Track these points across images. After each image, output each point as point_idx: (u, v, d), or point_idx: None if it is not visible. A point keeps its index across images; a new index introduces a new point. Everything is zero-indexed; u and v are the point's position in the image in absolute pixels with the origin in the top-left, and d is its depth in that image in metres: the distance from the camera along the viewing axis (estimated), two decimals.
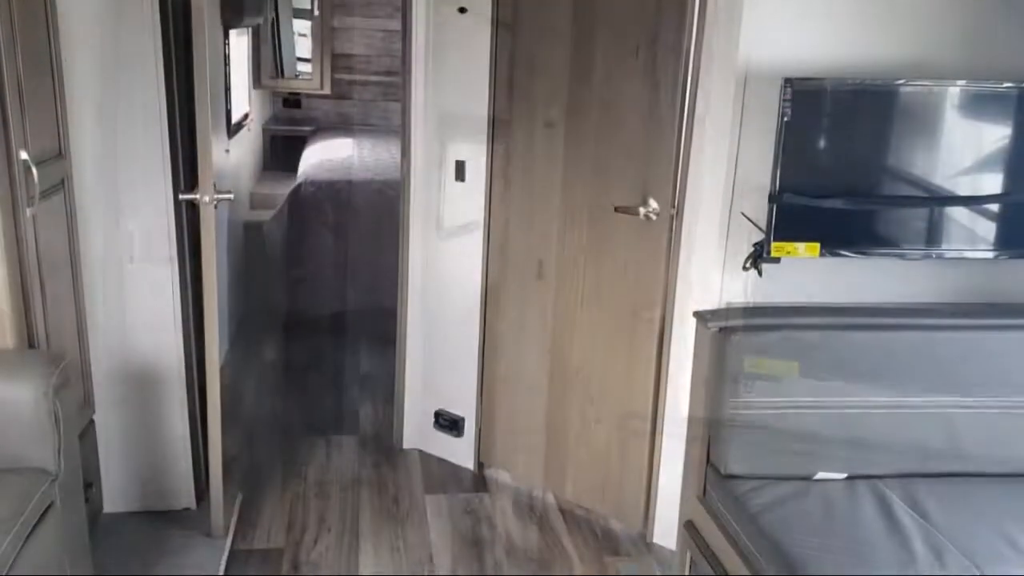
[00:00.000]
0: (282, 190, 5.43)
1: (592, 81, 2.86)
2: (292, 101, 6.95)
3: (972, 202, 2.56)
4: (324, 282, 5.00)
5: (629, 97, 2.80)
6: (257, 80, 6.27)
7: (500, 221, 3.24)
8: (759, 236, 2.56)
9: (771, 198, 2.49)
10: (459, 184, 3.31)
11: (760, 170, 2.51)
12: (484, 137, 3.20)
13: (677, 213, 2.78)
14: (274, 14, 6.54)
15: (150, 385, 3.00)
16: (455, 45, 3.22)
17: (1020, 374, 2.29)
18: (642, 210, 2.82)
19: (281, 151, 6.44)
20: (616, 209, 2.88)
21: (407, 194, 3.45)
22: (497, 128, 3.16)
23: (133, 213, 2.88)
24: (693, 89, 2.66)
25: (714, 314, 2.44)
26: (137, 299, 2.93)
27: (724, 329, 2.30)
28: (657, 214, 2.81)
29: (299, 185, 5.04)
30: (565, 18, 2.89)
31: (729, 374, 2.29)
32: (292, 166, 5.80)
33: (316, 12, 6.60)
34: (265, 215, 5.24)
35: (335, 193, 4.99)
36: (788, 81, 2.40)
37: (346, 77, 6.85)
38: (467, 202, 3.30)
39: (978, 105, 2.53)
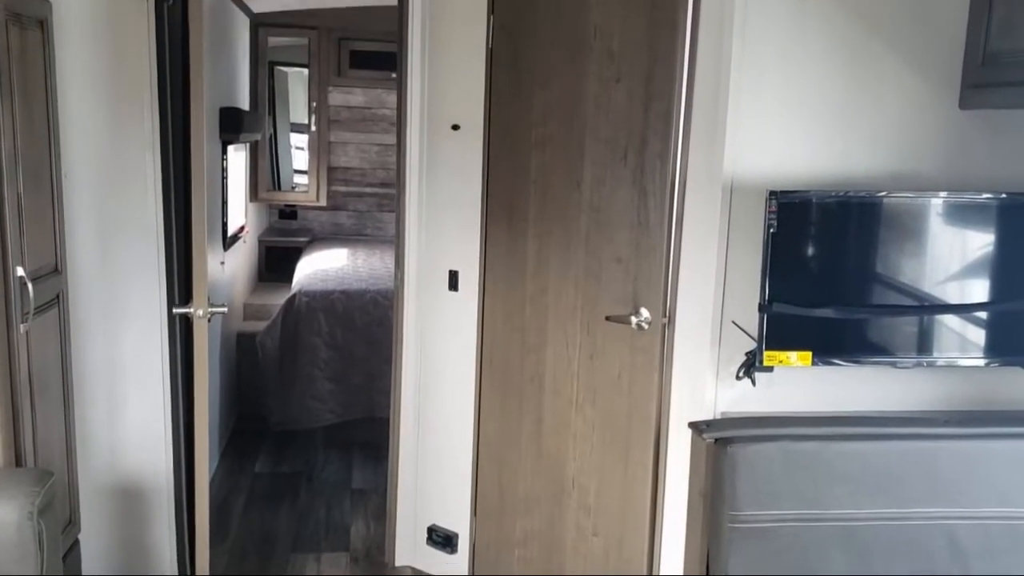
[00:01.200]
0: (276, 300, 5.46)
1: (583, 189, 2.93)
2: (288, 212, 7.07)
3: (960, 310, 2.59)
4: (317, 393, 4.97)
5: (619, 205, 2.86)
6: (254, 193, 6.39)
7: (493, 330, 3.25)
8: (751, 345, 2.57)
9: (761, 307, 2.51)
10: (452, 293, 3.34)
11: (750, 279, 2.54)
12: (477, 247, 3.24)
13: (669, 322, 2.80)
14: (272, 129, 6.72)
15: (137, 501, 2.95)
16: (448, 159, 3.31)
17: (1011, 483, 2.27)
18: (634, 319, 2.84)
19: (276, 262, 6.51)
20: (607, 318, 2.89)
21: (400, 304, 3.48)
22: (490, 238, 3.21)
23: (127, 327, 2.89)
24: (681, 198, 2.71)
25: (709, 424, 2.43)
26: (127, 414, 2.91)
27: (719, 440, 2.29)
28: (649, 323, 2.82)
29: (293, 296, 5.08)
30: (555, 125, 2.98)
31: (726, 485, 2.26)
32: (287, 277, 5.85)
33: (313, 128, 6.78)
34: (259, 326, 5.26)
35: (329, 303, 5.02)
36: (773, 193, 2.46)
37: (342, 189, 6.99)
38: (460, 311, 3.33)
39: (960, 215, 2.59)
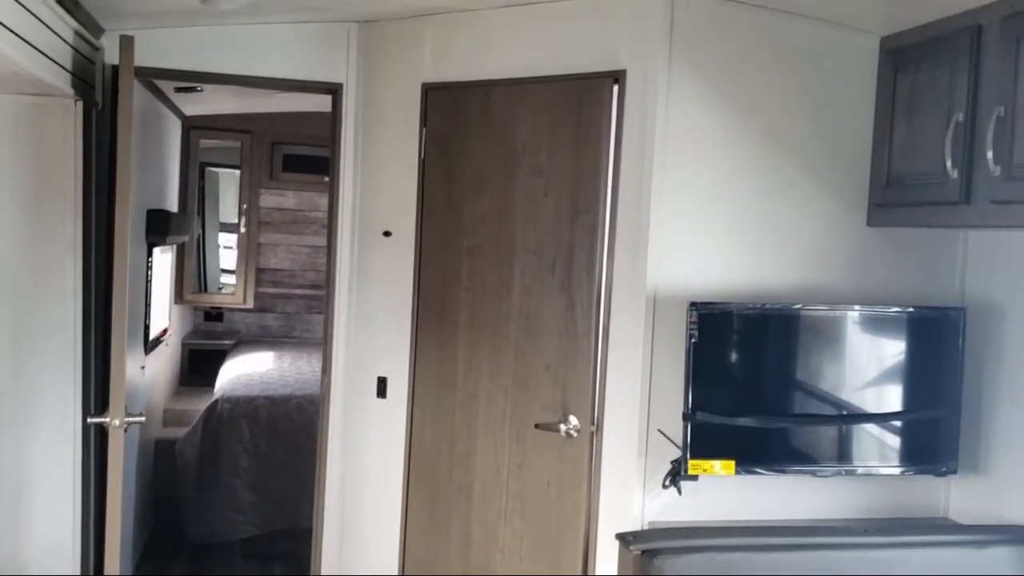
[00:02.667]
0: (198, 406, 5.31)
1: (513, 297, 2.97)
2: (214, 314, 6.95)
3: (875, 419, 2.67)
4: (238, 503, 4.80)
5: (547, 313, 2.90)
6: (179, 295, 6.28)
7: (422, 438, 3.22)
8: (677, 453, 2.60)
9: (685, 416, 2.55)
10: (381, 400, 3.31)
11: (675, 388, 2.59)
12: (407, 353, 3.24)
13: (597, 430, 2.81)
14: (201, 229, 6.67)
15: None
16: (379, 264, 3.33)
17: None
18: (563, 427, 2.85)
19: (200, 365, 6.35)
20: (537, 426, 2.90)
21: (326, 411, 3.43)
22: (420, 344, 3.21)
23: (39, 435, 2.78)
24: (607, 307, 2.77)
25: (636, 536, 2.42)
26: (34, 527, 2.77)
27: (646, 552, 2.28)
28: (578, 431, 2.84)
29: (215, 401, 4.95)
30: (486, 235, 3.03)
31: None
32: (210, 381, 5.71)
33: (243, 229, 6.75)
34: (179, 432, 5.09)
35: (252, 410, 4.90)
36: (693, 305, 2.54)
37: (270, 290, 6.92)
38: (388, 419, 3.29)
39: (872, 327, 2.70)
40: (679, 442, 2.59)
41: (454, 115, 3.12)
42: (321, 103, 3.50)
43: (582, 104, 2.82)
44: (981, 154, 2.20)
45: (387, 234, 3.29)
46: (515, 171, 2.96)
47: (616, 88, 2.73)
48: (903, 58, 2.60)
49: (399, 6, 3.08)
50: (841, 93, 2.73)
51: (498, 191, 3.00)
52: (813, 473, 2.65)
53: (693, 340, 2.54)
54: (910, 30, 2.58)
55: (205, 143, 6.39)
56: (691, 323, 2.54)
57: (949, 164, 2.30)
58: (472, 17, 3.02)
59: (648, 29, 2.64)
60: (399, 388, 3.26)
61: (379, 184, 3.34)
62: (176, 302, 6.16)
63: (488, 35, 3.02)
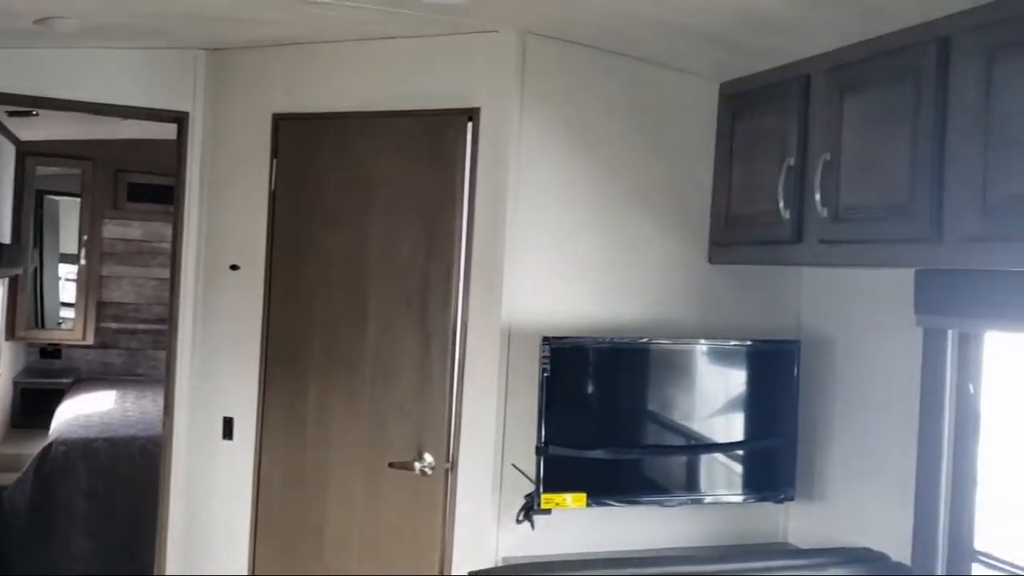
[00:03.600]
0: (31, 450, 4.94)
1: (368, 333, 2.92)
2: (51, 351, 6.52)
3: (718, 449, 2.76)
4: (73, 551, 4.48)
5: (403, 349, 2.87)
6: (11, 331, 5.86)
7: (271, 480, 3.10)
8: (531, 488, 2.61)
9: (538, 450, 2.57)
10: (227, 443, 3.17)
11: (530, 422, 2.61)
12: (255, 393, 3.12)
13: (452, 467, 2.79)
14: (38, 261, 6.26)
15: None
16: (226, 299, 3.21)
17: None
18: (417, 465, 2.81)
19: (33, 406, 5.92)
20: (391, 465, 2.85)
21: (168, 454, 3.27)
22: (269, 383, 3.11)
23: None
24: (463, 343, 2.77)
25: (489, 573, 2.41)
26: None
27: None
28: (433, 468, 2.81)
29: (49, 445, 4.61)
30: (341, 270, 2.97)
31: None
32: (45, 422, 5.33)
33: (83, 261, 6.38)
34: (9, 478, 4.72)
35: (91, 452, 4.59)
36: (546, 339, 2.57)
37: (112, 325, 6.55)
38: (235, 461, 3.15)
39: (715, 360, 2.81)
40: (532, 476, 2.60)
41: (307, 147, 3.06)
42: (168, 130, 3.36)
43: (437, 140, 2.83)
44: (810, 196, 2.33)
45: (235, 268, 3.18)
46: (370, 205, 2.93)
47: (471, 125, 2.75)
48: (740, 104, 2.74)
49: (248, 35, 3.00)
50: (685, 136, 2.85)
51: (353, 225, 2.96)
52: (661, 503, 2.72)
53: (546, 374, 2.57)
54: (746, 77, 2.72)
55: (43, 170, 6.02)
56: (544, 357, 2.57)
57: (782, 205, 2.43)
58: (325, 49, 2.98)
59: (501, 68, 2.69)
60: (246, 429, 3.13)
61: (227, 216, 3.23)
62: (7, 339, 5.75)
63: (342, 67, 2.99)
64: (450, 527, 2.78)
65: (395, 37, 2.85)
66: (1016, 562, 2.24)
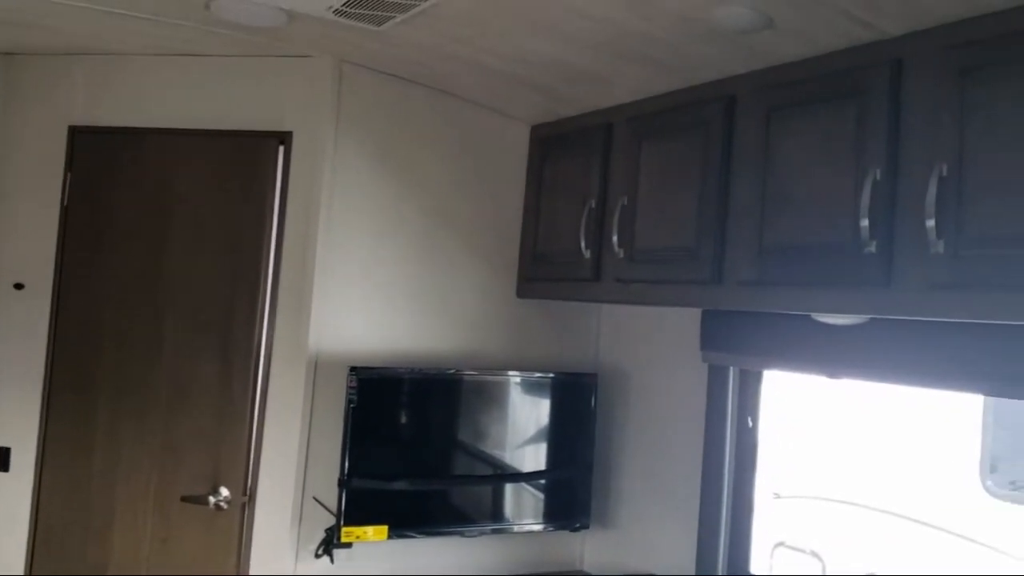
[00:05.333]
0: None
1: (164, 358, 2.78)
2: None
3: (518, 479, 2.83)
4: None
5: (202, 376, 2.75)
6: None
7: (50, 513, 2.87)
8: (333, 521, 2.56)
9: (340, 482, 2.54)
10: (2, 475, 2.92)
11: (334, 454, 2.57)
12: (36, 420, 2.89)
13: (250, 500, 2.70)
14: None
15: None
16: (7, 320, 2.96)
17: None
18: (212, 499, 2.70)
19: None
20: (184, 499, 2.72)
21: None
22: (52, 409, 2.89)
23: None
24: (267, 370, 2.70)
25: None
26: None
27: None
28: (229, 502, 2.70)
29: None
30: (137, 291, 2.82)
31: None
32: None
33: None
34: None
35: None
36: (353, 369, 2.55)
37: None
38: (11, 493, 2.90)
39: (521, 392, 2.88)
40: (334, 509, 2.56)
41: (106, 162, 2.90)
42: None
43: (247, 162, 2.76)
44: (609, 238, 2.45)
45: (19, 287, 2.95)
46: (172, 225, 2.81)
47: (282, 149, 2.71)
48: (549, 146, 2.86)
49: (43, 40, 2.82)
50: (498, 173, 2.93)
51: (153, 245, 2.82)
52: (463, 533, 2.74)
53: (352, 405, 2.55)
54: (556, 122, 2.84)
55: None
56: (350, 387, 2.55)
57: (583, 245, 2.54)
58: (130, 62, 2.85)
59: (316, 94, 2.67)
60: (25, 459, 2.89)
61: (11, 230, 2.99)
62: None
63: (148, 82, 2.86)
64: (245, 563, 2.68)
65: (207, 55, 2.77)
66: None
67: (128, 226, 2.86)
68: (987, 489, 4.23)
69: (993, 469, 4.23)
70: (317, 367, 2.65)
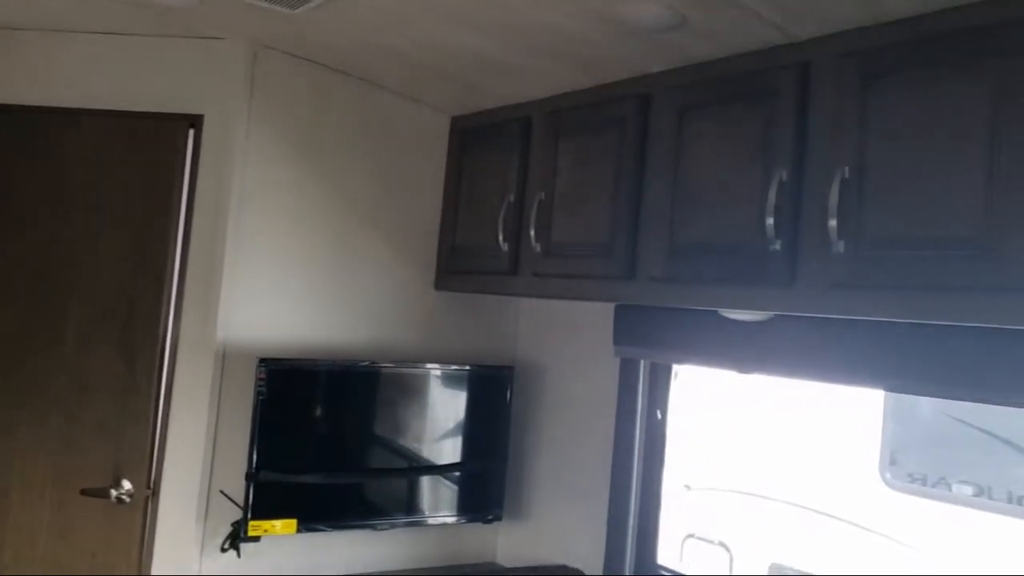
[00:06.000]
0: None
1: (63, 348, 2.67)
2: None
3: (431, 472, 2.82)
4: None
5: (103, 367, 2.65)
6: None
7: None
8: (240, 515, 2.51)
9: (248, 476, 2.49)
10: None
11: (242, 447, 2.52)
12: None
13: (154, 494, 2.62)
14: None
15: None
16: None
17: None
18: (114, 492, 2.61)
19: None
20: (83, 492, 2.62)
21: None
22: None
23: None
24: (172, 362, 2.62)
25: None
26: None
27: None
28: (131, 496, 2.62)
29: None
30: (32, 278, 2.70)
31: None
32: None
33: None
34: None
35: None
36: (263, 361, 2.50)
37: None
38: None
39: (437, 385, 2.86)
40: (242, 503, 2.51)
41: (2, 142, 2.77)
42: None
43: (155, 145, 2.67)
44: (526, 232, 2.46)
45: None
46: (73, 210, 2.70)
47: (192, 133, 2.63)
48: (469, 139, 2.84)
49: None
50: (418, 164, 2.90)
51: (50, 230, 2.70)
52: (374, 527, 2.72)
53: (261, 397, 2.50)
54: (476, 114, 2.83)
55: None
56: (259, 379, 2.50)
57: (501, 238, 2.54)
58: (31, 37, 2.72)
59: (228, 78, 2.60)
60: None
61: None
62: None
63: (55, 59, 2.74)
64: (148, 558, 2.60)
65: (116, 33, 2.67)
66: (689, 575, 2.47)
67: (25, 210, 2.74)
68: (886, 481, 4.40)
69: (892, 462, 4.40)
70: (225, 358, 2.59)
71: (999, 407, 3.99)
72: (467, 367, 2.88)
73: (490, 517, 2.86)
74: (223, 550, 2.53)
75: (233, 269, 2.59)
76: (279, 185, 2.66)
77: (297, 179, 2.69)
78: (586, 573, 2.61)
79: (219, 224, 2.59)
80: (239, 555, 2.53)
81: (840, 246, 1.68)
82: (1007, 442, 4.08)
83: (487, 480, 2.87)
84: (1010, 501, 4.07)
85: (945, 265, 1.54)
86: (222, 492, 2.55)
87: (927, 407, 4.33)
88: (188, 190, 2.64)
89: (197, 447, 2.57)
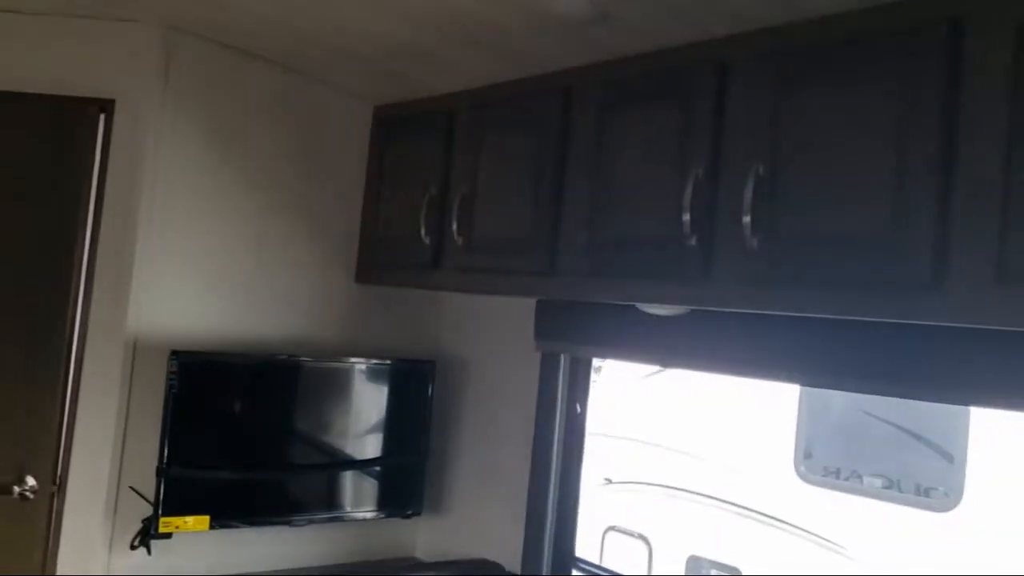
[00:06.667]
0: None
1: None
2: None
3: (350, 467, 2.78)
4: None
5: (4, 360, 2.55)
6: None
7: None
8: (150, 511, 2.44)
9: (159, 471, 2.42)
10: None
11: (153, 442, 2.45)
12: None
13: (59, 490, 2.53)
14: None
15: None
16: None
17: None
18: (16, 488, 2.51)
19: None
20: None
21: None
22: None
23: None
24: (80, 352, 2.53)
25: None
26: None
27: None
28: (35, 492, 2.52)
29: None
30: None
31: None
32: None
33: None
34: None
35: None
36: (175, 353, 2.44)
37: None
38: None
39: (357, 379, 2.83)
40: (153, 499, 2.44)
41: None
42: None
43: (64, 129, 2.57)
44: (449, 226, 2.43)
45: None
46: None
47: (103, 117, 2.54)
48: (392, 129, 2.81)
49: None
50: (338, 153, 2.85)
51: None
52: (289, 523, 2.67)
53: (173, 391, 2.43)
54: (399, 104, 2.80)
55: None
56: (171, 372, 2.43)
57: (423, 232, 2.51)
58: None
59: (141, 61, 2.52)
60: None
61: None
62: None
63: None
64: (53, 555, 2.51)
65: (21, 12, 2.56)
66: (608, 567, 2.50)
67: None
68: (800, 475, 4.51)
69: (807, 456, 4.52)
70: (137, 350, 2.51)
71: (909, 402, 4.13)
72: (388, 361, 2.85)
73: (409, 512, 2.83)
74: (133, 547, 2.46)
75: (145, 259, 2.51)
76: (194, 173, 2.59)
77: (213, 167, 2.62)
78: (504, 567, 2.60)
79: (131, 212, 2.51)
80: (150, 552, 2.46)
81: (754, 243, 1.71)
82: (916, 436, 4.22)
83: (407, 475, 2.84)
84: (918, 493, 4.22)
85: (854, 262, 1.57)
86: (132, 488, 2.48)
87: (840, 402, 4.46)
88: (99, 177, 2.55)
89: (106, 441, 2.49)
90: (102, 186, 2.54)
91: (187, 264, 2.59)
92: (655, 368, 5.11)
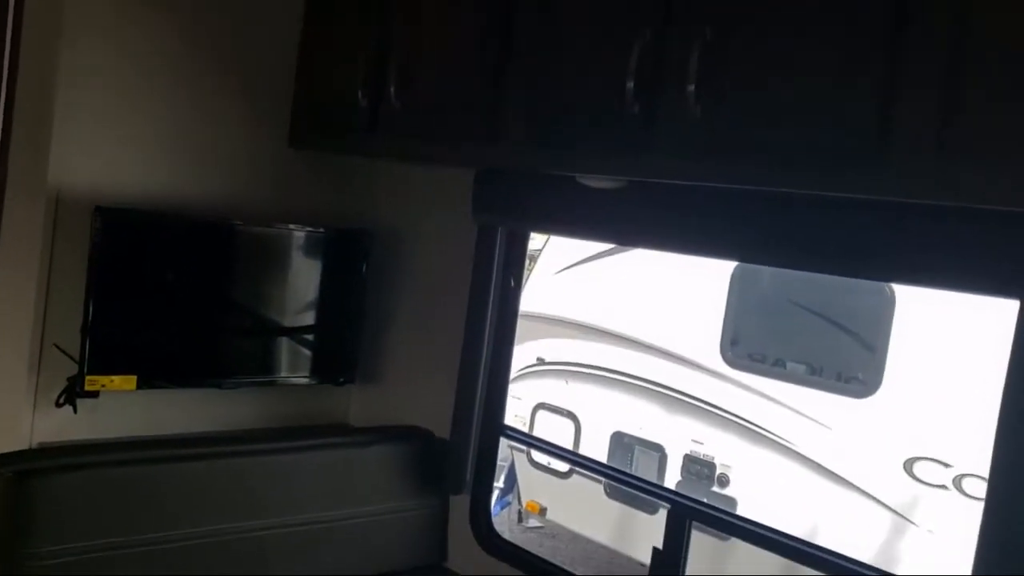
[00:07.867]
0: None
1: None
2: None
3: (282, 333, 2.76)
4: None
5: None
6: None
7: None
8: (76, 370, 2.40)
9: (83, 329, 2.37)
10: None
11: (79, 301, 2.38)
12: None
13: None
14: None
15: None
16: None
17: (314, 490, 2.49)
18: None
19: None
20: None
21: None
22: None
23: None
24: None
25: (10, 457, 2.18)
26: None
27: (19, 473, 2.07)
28: None
29: None
30: None
31: (22, 522, 2.05)
32: None
33: None
34: None
35: None
36: (99, 210, 2.35)
37: None
38: None
39: (290, 245, 2.78)
40: (78, 357, 2.40)
41: None
42: None
43: None
44: (387, 88, 2.34)
45: None
46: None
47: None
48: None
49: None
50: (272, 7, 2.71)
51: None
52: (218, 385, 2.65)
53: (97, 247, 2.36)
54: None
55: None
56: (95, 228, 2.36)
57: (360, 94, 2.41)
58: None
59: None
60: None
61: None
62: None
63: None
64: None
65: None
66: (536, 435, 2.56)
67: None
68: (727, 360, 4.66)
69: (734, 342, 4.65)
70: (59, 205, 2.41)
71: (836, 293, 4.25)
72: (322, 229, 2.80)
73: (342, 379, 2.84)
74: (58, 404, 2.43)
75: (68, 109, 2.39)
76: (119, 20, 2.44)
77: (141, 14, 2.47)
78: (435, 433, 2.65)
79: (49, 57, 2.36)
80: (76, 411, 2.43)
81: (697, 111, 1.68)
82: (840, 326, 4.37)
83: (340, 343, 2.84)
84: (839, 380, 4.41)
85: (797, 130, 1.56)
86: (56, 346, 2.43)
87: (768, 290, 4.57)
88: (13, 21, 2.39)
89: (27, 299, 2.42)
90: (17, 31, 2.39)
91: (113, 118, 2.47)
92: (590, 253, 5.16)
